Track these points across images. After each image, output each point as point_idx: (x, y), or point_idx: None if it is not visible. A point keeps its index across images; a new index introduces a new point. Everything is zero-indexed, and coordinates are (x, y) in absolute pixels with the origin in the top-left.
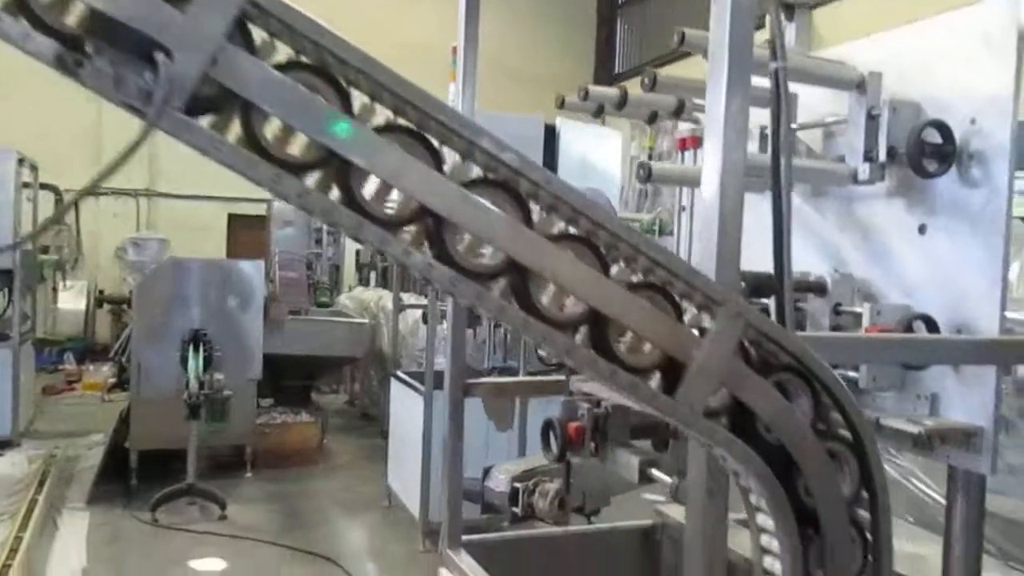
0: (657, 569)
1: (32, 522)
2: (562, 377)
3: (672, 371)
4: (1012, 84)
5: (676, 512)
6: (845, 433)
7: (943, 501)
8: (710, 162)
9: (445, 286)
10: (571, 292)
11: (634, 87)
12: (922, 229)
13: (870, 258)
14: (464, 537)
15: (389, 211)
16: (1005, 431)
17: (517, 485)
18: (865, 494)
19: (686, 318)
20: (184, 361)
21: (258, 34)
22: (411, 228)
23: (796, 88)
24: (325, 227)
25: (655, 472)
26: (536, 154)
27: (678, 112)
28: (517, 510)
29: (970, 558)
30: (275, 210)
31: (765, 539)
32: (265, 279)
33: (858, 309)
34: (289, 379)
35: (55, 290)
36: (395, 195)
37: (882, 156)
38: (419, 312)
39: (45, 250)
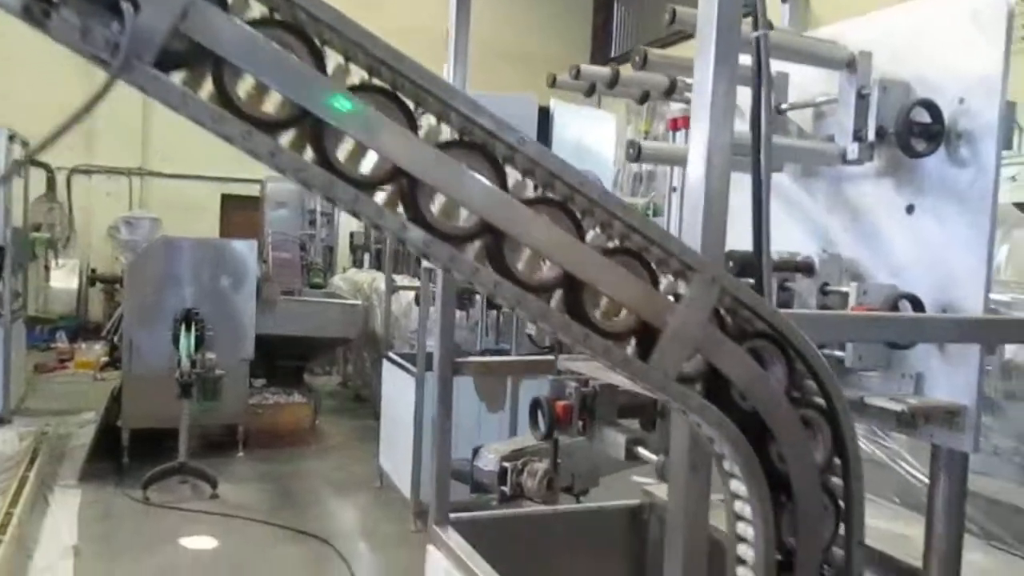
0: (644, 548)
1: (23, 499)
2: (551, 357)
3: (647, 337)
4: (1001, 63)
5: (664, 492)
6: (819, 401)
7: (928, 482)
8: (697, 139)
9: (419, 247)
10: (545, 256)
11: (629, 70)
12: (910, 209)
13: (858, 238)
14: (452, 515)
15: (363, 172)
16: (992, 414)
17: (506, 464)
18: (838, 461)
19: (662, 285)
20: (176, 340)
21: None
22: (385, 189)
23: (787, 68)
24: (319, 208)
25: (641, 450)
26: (530, 135)
27: (670, 92)
28: (506, 489)
29: (952, 535)
30: (269, 191)
31: (738, 505)
32: (258, 259)
33: (845, 289)
34: (282, 360)
35: (47, 268)
36: (371, 156)
37: (871, 136)
38: (412, 294)
39: (37, 228)
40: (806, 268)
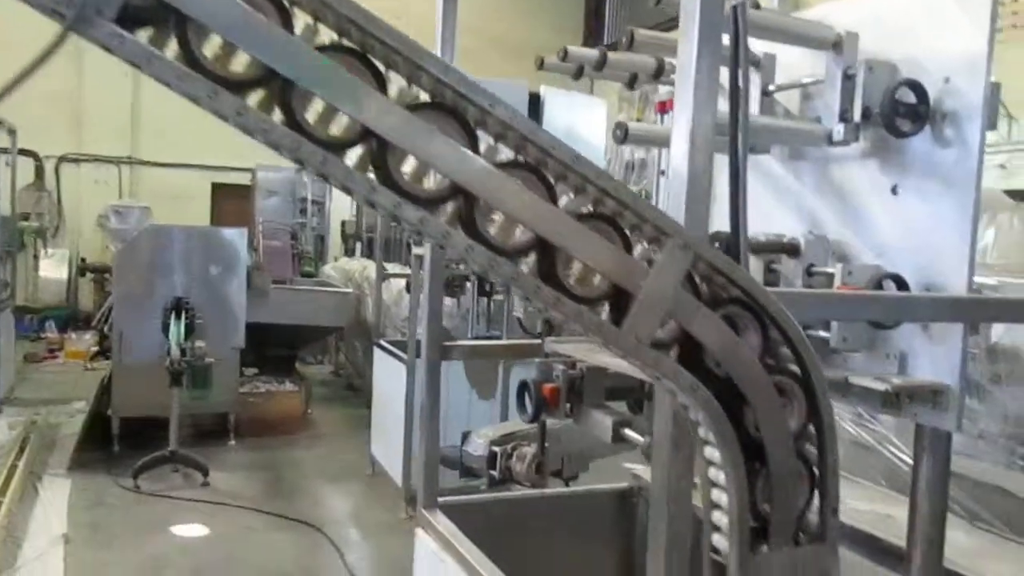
0: (632, 531)
1: (12, 488)
2: (539, 341)
3: (620, 302)
4: (986, 43)
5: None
6: (794, 368)
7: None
8: (680, 118)
9: (388, 210)
10: (517, 219)
11: (619, 55)
12: (895, 190)
13: (844, 220)
14: (440, 499)
15: (333, 133)
16: (978, 397)
17: (495, 449)
18: (813, 429)
19: (637, 252)
20: (166, 328)
21: None
22: (355, 151)
23: (775, 49)
24: (311, 197)
25: (628, 432)
26: None
27: (658, 74)
28: (495, 473)
29: (935, 514)
30: (260, 179)
31: (713, 472)
32: (249, 248)
33: (830, 270)
34: (273, 348)
35: (36, 258)
36: (341, 118)
37: (857, 116)
38: (403, 282)
39: (25, 217)
40: (792, 249)
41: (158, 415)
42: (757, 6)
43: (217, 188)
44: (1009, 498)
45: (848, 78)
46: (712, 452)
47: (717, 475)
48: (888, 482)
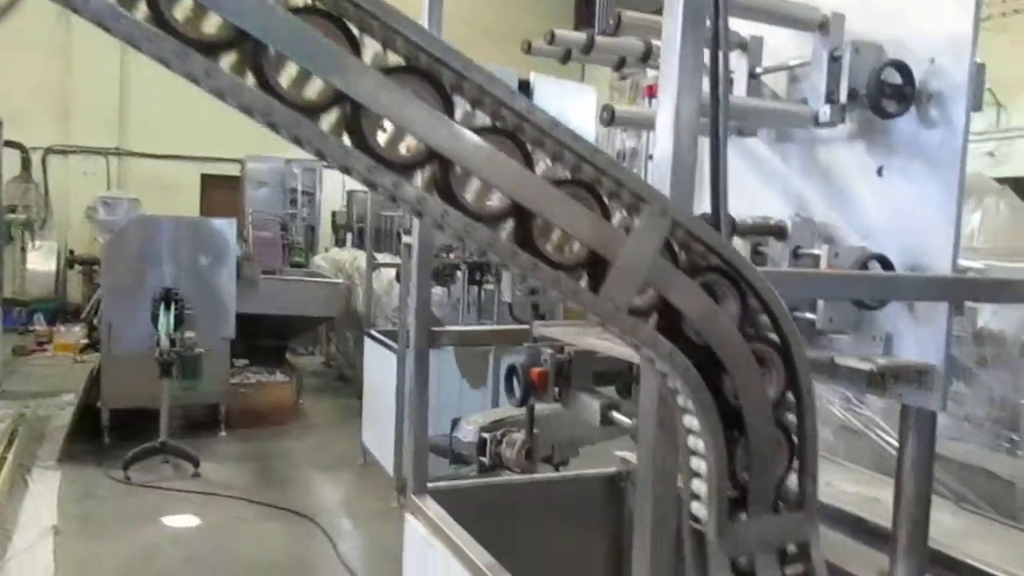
0: (621, 515)
1: (1, 480)
2: (527, 327)
3: (598, 270)
4: (971, 23)
5: None
6: (773, 336)
7: None
8: (665, 98)
9: (362, 175)
10: (492, 184)
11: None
12: (880, 171)
13: (830, 202)
14: (430, 484)
15: (307, 97)
16: (965, 381)
17: (485, 435)
18: (792, 398)
19: (615, 220)
20: (155, 319)
21: None
22: (329, 116)
23: (762, 31)
24: (301, 188)
25: (616, 415)
26: None
27: (645, 57)
28: (485, 460)
29: (920, 494)
30: (249, 170)
31: (692, 440)
32: (238, 239)
33: (816, 251)
34: (264, 339)
35: (23, 250)
36: (315, 82)
37: (843, 98)
38: (393, 271)
39: (12, 209)
40: (779, 232)
41: (148, 406)
42: None
43: (206, 179)
44: (994, 480)
45: (834, 59)
46: (691, 421)
47: (696, 443)
48: (875, 466)
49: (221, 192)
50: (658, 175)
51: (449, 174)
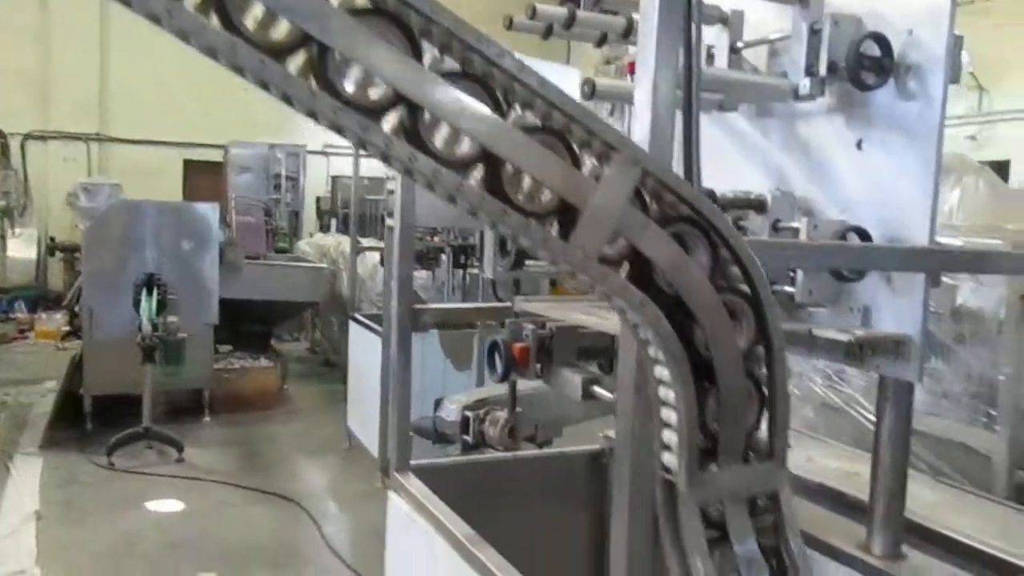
0: (604, 492)
1: None
2: (509, 304)
3: (568, 218)
4: None
5: None
6: (744, 288)
7: None
8: (643, 74)
9: (329, 117)
10: (460, 129)
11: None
12: (859, 144)
13: (810, 176)
14: (413, 463)
15: (273, 38)
16: (943, 358)
17: (468, 414)
18: (762, 349)
19: (587, 169)
20: (137, 305)
21: None
22: (296, 58)
23: (743, 5)
24: (285, 173)
25: (598, 389)
26: None
27: (627, 32)
28: (468, 438)
29: (897, 465)
30: (232, 155)
31: (663, 391)
32: (221, 224)
33: (796, 224)
34: (248, 325)
35: (3, 237)
36: (281, 24)
37: (823, 71)
38: (378, 256)
39: None
40: (759, 205)
41: (131, 393)
42: None
43: (189, 165)
44: (971, 454)
45: (814, 32)
46: (662, 371)
47: (667, 394)
48: (855, 442)
49: (204, 178)
50: (637, 142)
51: (418, 120)
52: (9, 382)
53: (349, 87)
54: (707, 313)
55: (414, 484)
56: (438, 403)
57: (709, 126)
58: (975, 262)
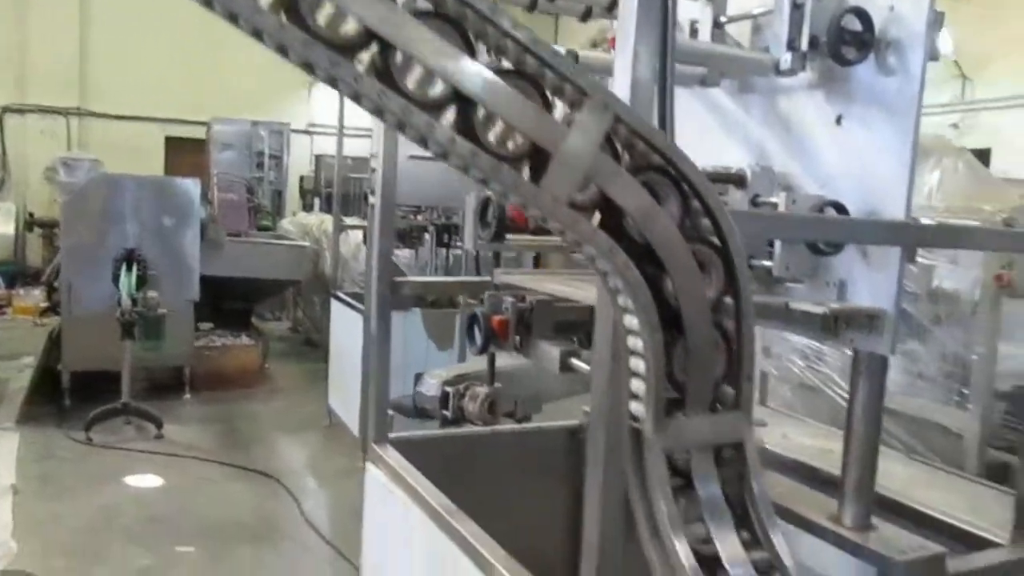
0: (581, 467)
1: None
2: (489, 278)
3: (540, 163)
4: None
5: None
6: (713, 239)
7: None
8: (621, 49)
9: (299, 52)
10: (431, 68)
11: None
12: (839, 120)
13: (790, 151)
14: (391, 435)
15: None
16: (920, 339)
17: (448, 389)
18: (730, 301)
19: (559, 117)
20: (116, 280)
21: None
22: None
23: None
24: (267, 151)
25: (576, 362)
26: None
27: (612, 6)
28: (448, 413)
29: (869, 437)
30: (215, 132)
31: (632, 340)
32: (203, 201)
33: (775, 199)
34: (229, 303)
35: None
36: None
37: (804, 45)
38: (361, 235)
39: None
40: (738, 180)
41: (110, 369)
42: None
43: (171, 142)
44: (943, 433)
45: (796, 7)
46: (631, 320)
47: (636, 343)
48: (832, 421)
49: (186, 155)
50: None
51: (389, 59)
52: None
53: (320, 21)
54: (676, 262)
55: (392, 455)
56: (418, 378)
57: (691, 102)
58: (950, 237)
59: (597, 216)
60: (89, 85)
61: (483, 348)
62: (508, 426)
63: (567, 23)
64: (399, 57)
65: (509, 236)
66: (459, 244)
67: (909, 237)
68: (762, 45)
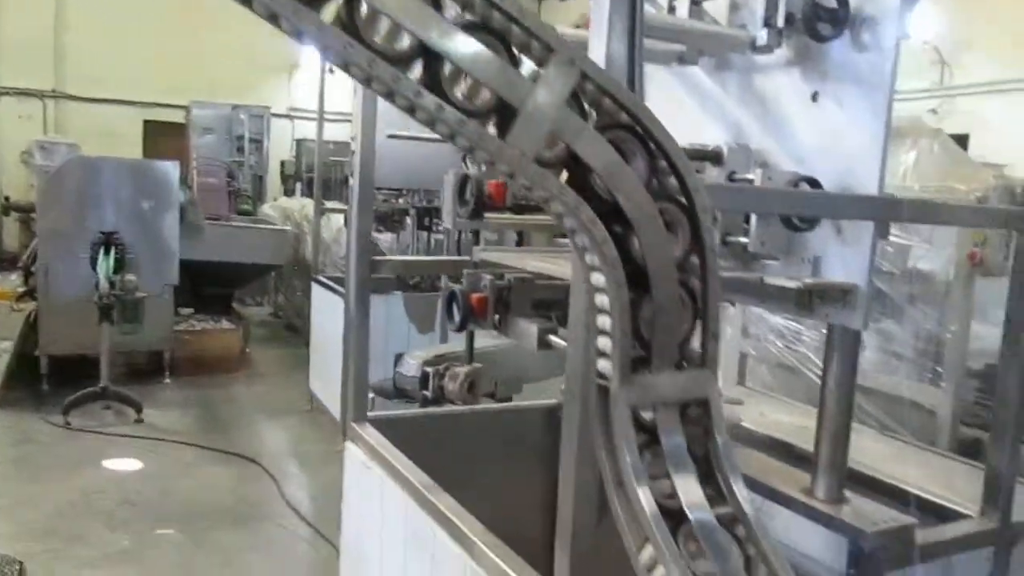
0: (559, 445)
1: None
2: (467, 258)
3: (507, 119)
4: None
5: None
6: (680, 198)
7: None
8: (596, 23)
9: (264, 4)
10: (396, 20)
11: None
12: (815, 97)
13: (767, 128)
14: (370, 413)
15: None
16: (895, 318)
17: (428, 369)
18: (696, 260)
19: (526, 73)
20: (94, 263)
21: None
22: None
23: None
24: (248, 136)
25: (553, 339)
26: None
27: None
28: (428, 393)
29: (842, 410)
30: (195, 116)
31: (599, 298)
32: (183, 185)
33: (750, 176)
34: (209, 287)
35: None
36: None
37: (780, 22)
38: (342, 219)
39: None
40: (715, 157)
41: (88, 353)
42: None
43: (150, 126)
44: (917, 410)
45: None
46: (598, 278)
47: (602, 300)
48: (808, 400)
49: (165, 139)
50: None
51: (354, 11)
52: None
53: None
54: (642, 219)
55: (370, 433)
56: (398, 359)
57: (669, 79)
58: (923, 211)
59: (565, 174)
60: (67, 68)
61: (461, 326)
62: (487, 405)
63: (550, 6)
64: (364, 9)
65: (487, 215)
66: (440, 227)
67: (883, 211)
68: (739, 23)
